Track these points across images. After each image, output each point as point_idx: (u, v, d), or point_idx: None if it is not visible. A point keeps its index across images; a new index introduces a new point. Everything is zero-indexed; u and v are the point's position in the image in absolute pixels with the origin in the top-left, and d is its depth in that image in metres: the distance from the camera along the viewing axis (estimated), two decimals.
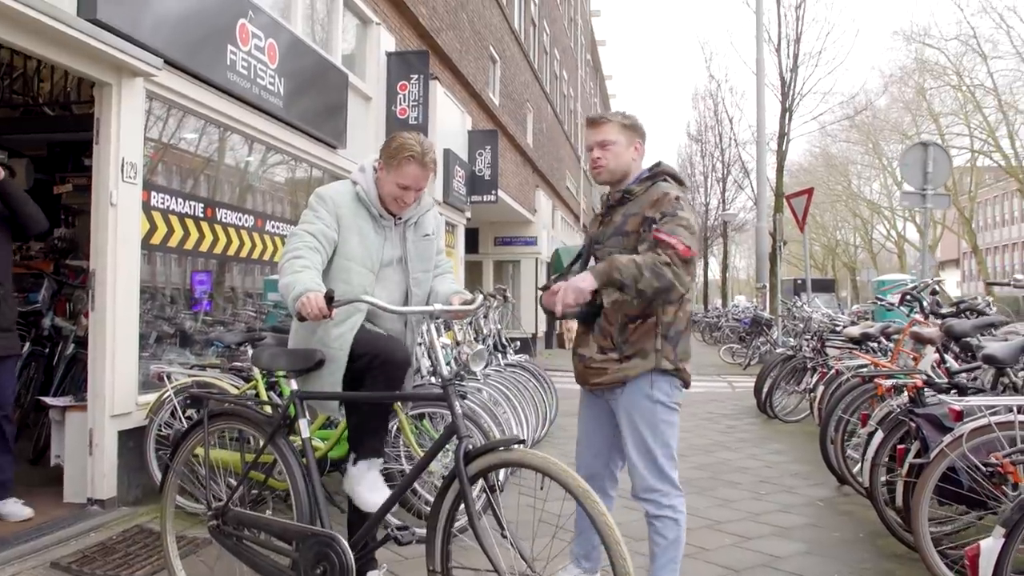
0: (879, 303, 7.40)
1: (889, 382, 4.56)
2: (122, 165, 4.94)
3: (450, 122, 12.34)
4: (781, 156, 22.92)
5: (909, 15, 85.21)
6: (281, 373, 4.09)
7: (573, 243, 24.29)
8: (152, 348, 5.69)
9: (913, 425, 3.91)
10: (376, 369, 3.20)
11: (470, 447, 2.75)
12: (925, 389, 4.23)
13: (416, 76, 9.68)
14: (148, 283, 5.66)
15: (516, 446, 2.73)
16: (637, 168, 3.30)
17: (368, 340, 3.25)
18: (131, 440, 5.04)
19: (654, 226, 3.02)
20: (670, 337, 3.14)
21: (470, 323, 7.51)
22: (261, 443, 3.17)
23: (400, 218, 3.47)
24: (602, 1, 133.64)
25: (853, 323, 9.24)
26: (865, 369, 6.17)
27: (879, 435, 4.36)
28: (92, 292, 4.91)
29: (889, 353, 7.04)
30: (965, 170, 38.64)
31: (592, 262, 3.33)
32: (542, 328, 21.76)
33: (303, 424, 3.11)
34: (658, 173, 3.24)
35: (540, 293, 3.32)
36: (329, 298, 2.85)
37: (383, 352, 3.22)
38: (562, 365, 17.30)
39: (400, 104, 9.67)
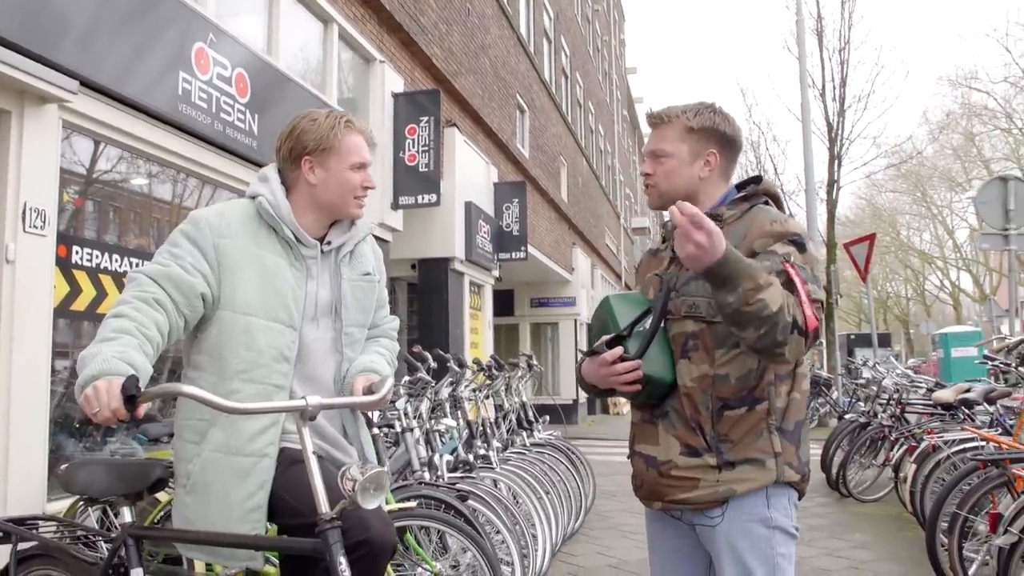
0: (988, 364, 6.13)
1: None
2: (24, 212, 3.92)
3: (472, 173, 11.31)
4: (831, 205, 21.50)
5: (953, 60, 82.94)
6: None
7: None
8: (75, 439, 4.61)
9: None
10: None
11: None
12: None
13: (427, 119, 8.66)
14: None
15: None
16: (715, 188, 2.15)
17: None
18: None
19: (783, 258, 1.93)
20: (790, 432, 2.01)
21: (487, 396, 6.38)
22: None
23: (328, 243, 2.36)
24: (638, 59, 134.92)
25: (939, 384, 7.94)
26: (979, 447, 4.88)
27: None
28: None
29: (997, 423, 5.76)
30: None
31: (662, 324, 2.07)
32: (584, 392, 20.34)
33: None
34: (757, 193, 2.14)
35: (581, 358, 2.14)
36: (131, 395, 1.71)
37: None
38: (606, 433, 16.02)
39: (409, 150, 8.63)
